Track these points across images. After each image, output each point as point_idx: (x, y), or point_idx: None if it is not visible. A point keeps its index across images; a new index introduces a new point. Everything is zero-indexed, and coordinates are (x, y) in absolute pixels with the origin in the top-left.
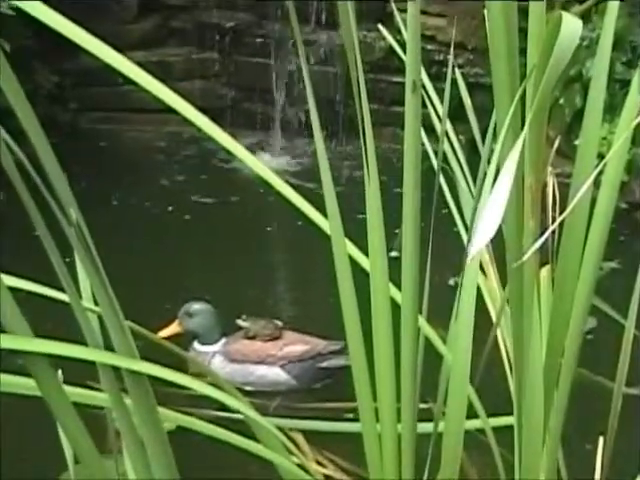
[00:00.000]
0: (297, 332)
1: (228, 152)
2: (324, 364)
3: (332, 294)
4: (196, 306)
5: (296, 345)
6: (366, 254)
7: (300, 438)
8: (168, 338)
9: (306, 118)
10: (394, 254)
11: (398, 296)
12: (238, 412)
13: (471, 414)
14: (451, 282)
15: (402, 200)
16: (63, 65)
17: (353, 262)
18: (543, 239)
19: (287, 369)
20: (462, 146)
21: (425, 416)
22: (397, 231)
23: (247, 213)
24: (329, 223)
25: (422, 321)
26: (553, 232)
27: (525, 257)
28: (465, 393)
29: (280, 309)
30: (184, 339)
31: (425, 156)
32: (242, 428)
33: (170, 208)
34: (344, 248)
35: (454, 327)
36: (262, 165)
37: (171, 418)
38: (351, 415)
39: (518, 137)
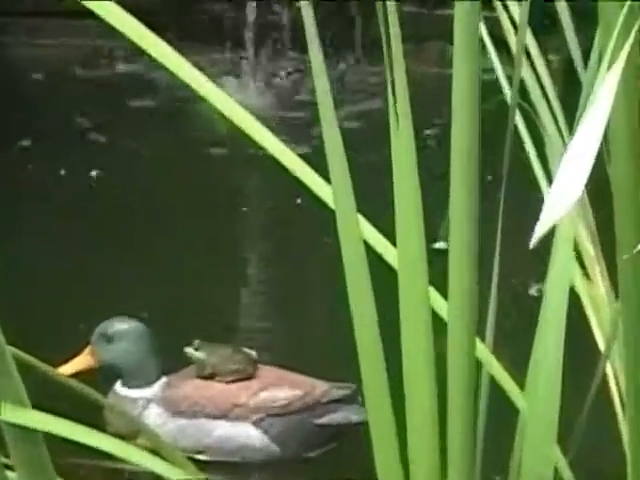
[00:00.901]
0: (281, 368)
1: (179, 81)
2: (324, 420)
3: (338, 308)
4: (119, 326)
5: (280, 389)
6: (393, 243)
7: None
8: (76, 375)
9: (297, 24)
10: (440, 245)
11: (444, 309)
12: None
13: None
14: (533, 291)
15: (450, 158)
16: None
17: (372, 255)
18: None
19: (264, 427)
20: (551, 71)
21: None
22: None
23: (208, 177)
24: (332, 189)
25: (484, 350)
26: None
27: None
28: (550, 466)
29: (255, 332)
30: (102, 378)
31: (493, 87)
32: None
33: (93, 172)
34: (356, 230)
35: (534, 361)
36: (229, 100)
37: None
38: None
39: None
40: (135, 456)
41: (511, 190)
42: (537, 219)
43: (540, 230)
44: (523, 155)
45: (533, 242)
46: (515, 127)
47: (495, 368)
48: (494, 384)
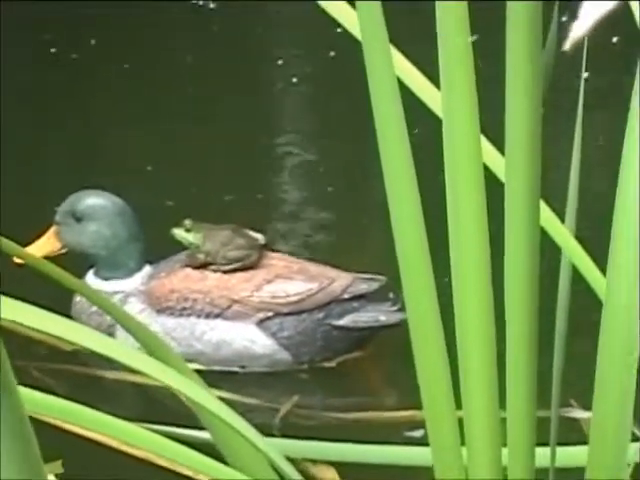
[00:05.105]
0: (293, 257)
1: None
2: (345, 320)
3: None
4: (90, 201)
5: (290, 282)
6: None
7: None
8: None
9: None
10: None
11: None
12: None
13: None
14: None
15: None
16: None
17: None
18: None
19: (270, 328)
20: None
21: (567, 434)
22: None
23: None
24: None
25: (564, 234)
26: None
27: None
28: (632, 386)
29: (266, 210)
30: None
31: None
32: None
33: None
34: (387, 60)
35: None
36: None
37: (84, 418)
38: (414, 432)
39: None
40: (119, 353)
41: None
42: None
43: (575, 33)
44: None
45: (568, 44)
46: None
47: (578, 256)
48: (575, 271)
